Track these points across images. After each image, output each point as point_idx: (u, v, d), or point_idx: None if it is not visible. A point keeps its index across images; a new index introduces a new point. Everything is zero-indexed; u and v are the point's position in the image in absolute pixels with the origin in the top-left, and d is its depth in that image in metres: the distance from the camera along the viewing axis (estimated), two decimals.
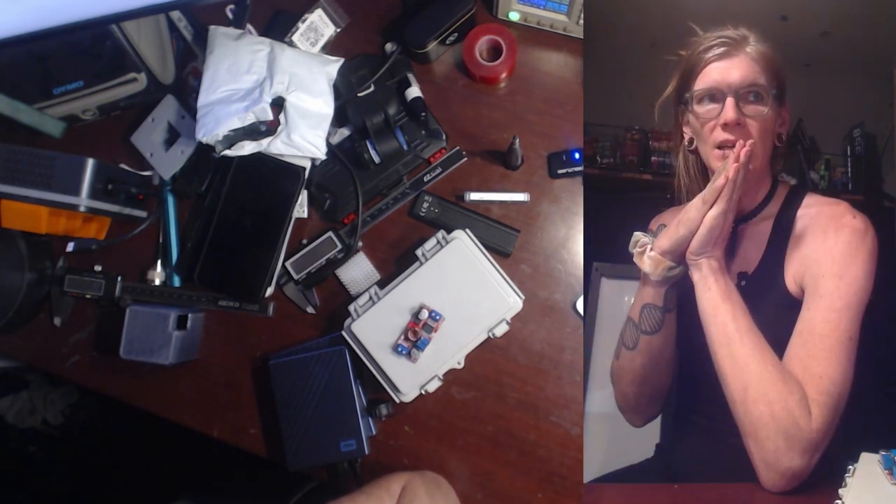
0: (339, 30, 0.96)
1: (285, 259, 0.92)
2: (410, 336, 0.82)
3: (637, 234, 0.79)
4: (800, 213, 0.75)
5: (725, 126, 0.73)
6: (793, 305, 0.72)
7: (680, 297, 0.82)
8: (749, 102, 0.73)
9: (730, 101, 0.73)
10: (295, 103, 0.87)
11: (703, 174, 0.79)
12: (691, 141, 0.79)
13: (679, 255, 0.75)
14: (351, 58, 0.94)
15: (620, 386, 0.83)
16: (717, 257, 0.73)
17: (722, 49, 0.74)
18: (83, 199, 0.86)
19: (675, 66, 0.79)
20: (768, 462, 0.68)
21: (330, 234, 0.92)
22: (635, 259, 0.78)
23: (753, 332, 0.70)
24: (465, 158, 0.93)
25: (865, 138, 0.88)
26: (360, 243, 0.92)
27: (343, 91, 0.92)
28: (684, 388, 0.83)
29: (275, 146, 0.87)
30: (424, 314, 0.82)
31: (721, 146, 0.74)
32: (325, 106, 0.89)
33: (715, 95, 0.74)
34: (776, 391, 0.67)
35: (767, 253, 0.76)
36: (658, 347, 0.80)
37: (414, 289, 0.83)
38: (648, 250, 0.77)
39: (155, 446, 1.53)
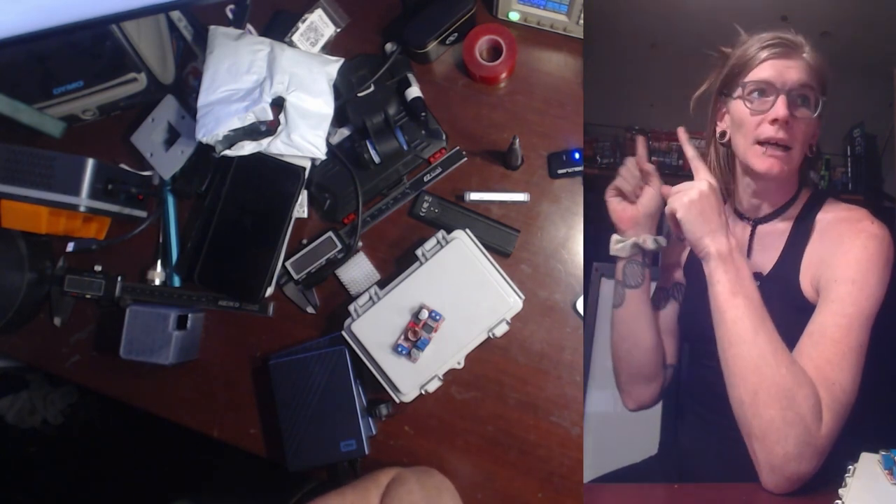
0: (339, 30, 0.96)
1: (285, 259, 0.92)
2: (410, 336, 0.82)
3: None
4: (819, 216, 0.75)
5: (774, 122, 0.73)
6: (807, 308, 0.71)
7: (688, 283, 0.83)
8: (797, 105, 0.73)
9: (782, 98, 0.73)
10: (295, 103, 0.87)
11: (734, 168, 0.80)
12: (723, 134, 0.79)
13: (624, 221, 0.79)
14: (351, 58, 0.94)
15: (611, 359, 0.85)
16: (724, 243, 0.71)
17: (780, 49, 0.74)
18: (83, 199, 0.86)
19: (716, 62, 0.79)
20: (775, 466, 0.67)
21: (330, 234, 0.92)
22: None
23: (766, 330, 0.68)
24: (465, 158, 0.93)
25: (865, 138, 0.88)
26: (360, 243, 0.92)
27: (343, 91, 0.92)
28: (686, 382, 0.83)
29: (275, 146, 0.87)
30: (424, 314, 0.82)
31: (764, 143, 0.74)
32: (325, 106, 0.89)
33: (765, 90, 0.74)
34: (789, 396, 0.65)
35: (784, 254, 0.76)
36: (624, 322, 0.81)
37: (414, 289, 0.83)
38: None
39: (155, 446, 1.53)
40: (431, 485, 0.78)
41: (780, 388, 0.66)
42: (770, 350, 0.67)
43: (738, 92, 0.76)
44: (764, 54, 0.74)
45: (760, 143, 0.74)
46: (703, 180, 0.73)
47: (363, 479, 0.74)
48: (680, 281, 0.84)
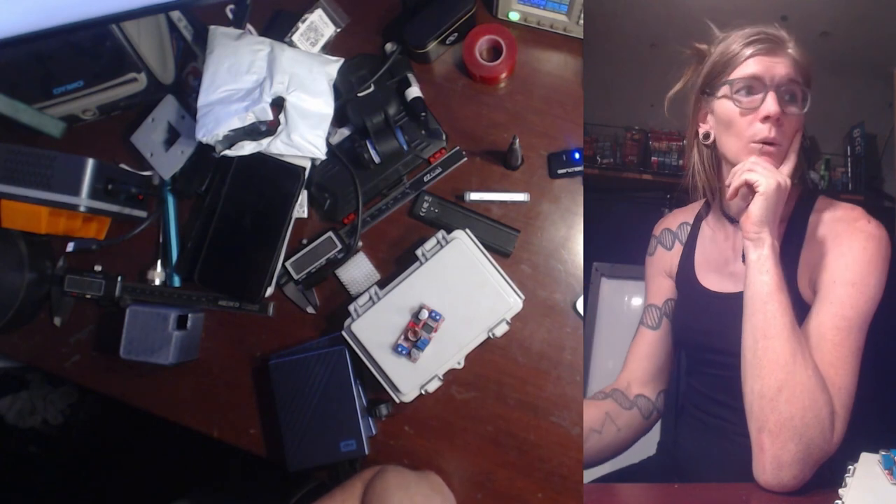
0: (339, 30, 0.96)
1: (285, 259, 0.91)
2: (410, 336, 0.82)
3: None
4: (812, 216, 0.73)
5: (766, 119, 0.71)
6: (804, 310, 0.70)
7: (681, 293, 0.82)
8: (786, 102, 0.71)
9: (772, 94, 0.70)
10: (295, 103, 0.87)
11: (720, 168, 0.77)
12: (706, 135, 0.76)
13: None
14: (351, 58, 0.94)
15: None
16: (774, 241, 0.69)
17: (765, 45, 0.72)
18: (83, 199, 0.86)
19: (689, 59, 0.77)
20: (783, 463, 0.66)
21: (330, 234, 0.92)
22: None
23: (797, 331, 0.67)
24: (465, 158, 0.93)
25: (865, 138, 0.88)
26: (360, 243, 0.92)
27: (343, 91, 0.92)
28: (685, 390, 0.83)
29: (275, 146, 0.87)
30: (424, 314, 0.82)
31: (759, 143, 0.71)
32: (325, 106, 0.89)
33: (753, 87, 0.71)
34: (813, 399, 0.65)
35: (780, 257, 0.75)
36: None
37: (414, 289, 0.83)
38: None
39: (155, 446, 1.53)
40: (413, 476, 0.79)
41: (805, 388, 0.65)
42: (801, 350, 0.66)
43: (725, 91, 0.73)
44: (749, 50, 0.72)
45: (755, 143, 0.72)
46: (781, 174, 0.70)
47: (351, 478, 0.77)
48: (671, 296, 0.84)
